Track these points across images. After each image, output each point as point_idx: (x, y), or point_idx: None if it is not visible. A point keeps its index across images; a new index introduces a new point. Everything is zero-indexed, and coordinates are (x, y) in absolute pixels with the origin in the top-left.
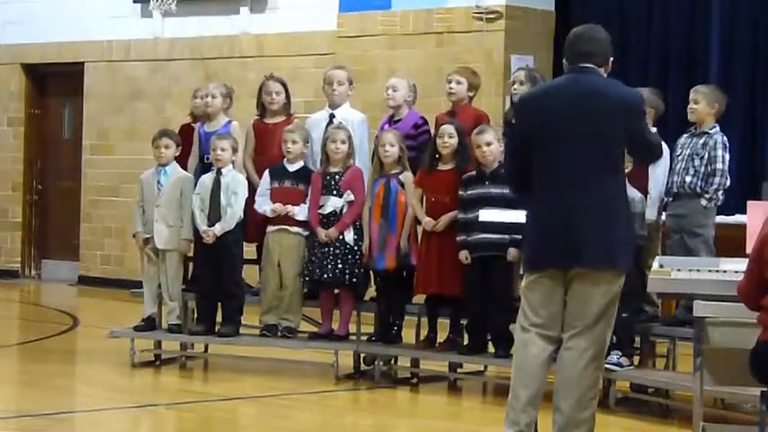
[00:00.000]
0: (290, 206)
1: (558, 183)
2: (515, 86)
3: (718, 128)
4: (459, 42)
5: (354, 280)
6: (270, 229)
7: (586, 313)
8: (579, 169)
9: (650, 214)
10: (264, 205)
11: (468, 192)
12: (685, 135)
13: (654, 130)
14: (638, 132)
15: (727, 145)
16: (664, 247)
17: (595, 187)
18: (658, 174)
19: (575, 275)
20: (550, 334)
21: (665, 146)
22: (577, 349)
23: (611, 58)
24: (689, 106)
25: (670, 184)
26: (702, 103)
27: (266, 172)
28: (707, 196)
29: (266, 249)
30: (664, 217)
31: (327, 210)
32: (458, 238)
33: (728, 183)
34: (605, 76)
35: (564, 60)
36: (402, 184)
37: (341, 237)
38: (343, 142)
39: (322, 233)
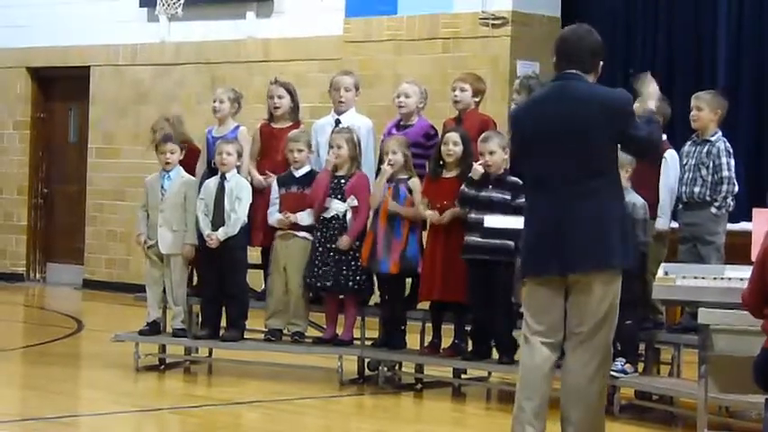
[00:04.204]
0: (292, 215)
1: (546, 191)
2: (514, 96)
3: (720, 133)
4: (465, 48)
5: (357, 286)
6: (278, 233)
7: (587, 320)
8: (566, 176)
9: (662, 223)
10: (272, 215)
11: (472, 192)
12: (688, 143)
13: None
14: (624, 132)
15: (731, 150)
16: (671, 255)
17: (583, 192)
18: (669, 182)
19: (573, 282)
20: (552, 341)
21: (674, 154)
22: (582, 359)
23: (601, 62)
24: (692, 114)
25: (679, 193)
26: (706, 109)
27: (274, 182)
28: (716, 204)
29: (274, 254)
30: (675, 225)
31: (330, 213)
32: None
33: (737, 189)
34: (592, 80)
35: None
36: (410, 190)
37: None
38: (339, 146)
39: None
